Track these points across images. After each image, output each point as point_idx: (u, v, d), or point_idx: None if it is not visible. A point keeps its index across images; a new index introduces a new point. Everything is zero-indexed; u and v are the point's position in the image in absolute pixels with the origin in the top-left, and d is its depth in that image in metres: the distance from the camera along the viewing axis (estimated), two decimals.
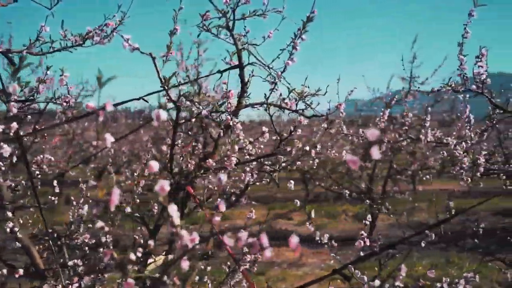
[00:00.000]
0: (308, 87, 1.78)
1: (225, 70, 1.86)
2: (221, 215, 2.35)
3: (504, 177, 2.20)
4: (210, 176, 1.77)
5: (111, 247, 1.74)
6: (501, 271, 2.21)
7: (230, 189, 2.20)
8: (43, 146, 8.04)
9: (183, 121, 1.64)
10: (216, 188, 2.20)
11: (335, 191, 5.97)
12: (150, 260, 1.66)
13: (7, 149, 0.95)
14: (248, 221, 2.16)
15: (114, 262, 0.75)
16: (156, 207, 1.65)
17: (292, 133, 1.52)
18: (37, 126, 1.95)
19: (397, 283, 1.03)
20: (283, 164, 1.61)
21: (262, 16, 1.78)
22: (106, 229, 0.73)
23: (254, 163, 1.82)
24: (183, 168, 1.87)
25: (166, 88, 1.47)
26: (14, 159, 1.86)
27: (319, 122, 7.46)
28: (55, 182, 1.73)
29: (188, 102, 1.52)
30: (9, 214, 1.55)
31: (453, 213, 1.99)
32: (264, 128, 1.42)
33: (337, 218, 6.83)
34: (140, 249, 1.02)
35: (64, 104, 1.63)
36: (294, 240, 0.67)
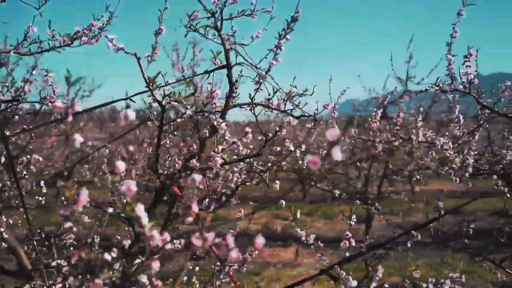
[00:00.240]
0: (296, 87, 1.77)
1: (212, 70, 1.85)
2: (212, 215, 2.33)
3: (496, 177, 2.20)
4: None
5: (96, 247, 1.74)
6: (491, 271, 2.21)
7: (221, 190, 2.20)
8: (43, 146, 8.05)
9: (173, 121, 1.64)
10: (206, 189, 2.20)
11: (330, 192, 5.95)
12: (137, 261, 1.66)
13: None
14: (237, 221, 2.16)
15: (83, 263, 0.75)
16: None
17: (278, 133, 1.52)
18: (25, 126, 1.95)
19: (373, 284, 1.02)
20: (269, 164, 1.60)
21: (250, 16, 1.77)
22: (75, 229, 0.73)
23: (242, 163, 1.81)
24: (170, 168, 1.87)
25: (151, 88, 1.47)
26: (2, 159, 1.86)
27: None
28: (42, 182, 1.73)
29: (173, 102, 1.51)
30: None
31: (442, 213, 1.99)
32: (247, 129, 1.42)
33: (334, 219, 6.83)
34: (115, 250, 1.01)
35: (50, 104, 1.63)
36: (259, 240, 0.67)
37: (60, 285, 1.37)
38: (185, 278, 1.97)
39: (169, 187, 1.62)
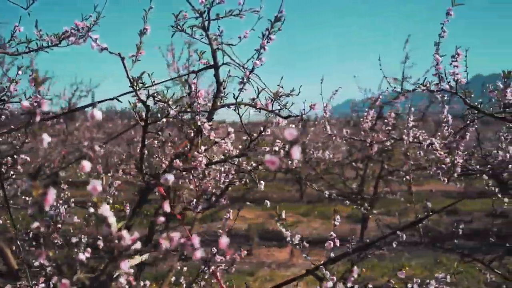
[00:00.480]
0: (283, 87, 1.77)
1: (199, 70, 1.85)
2: (200, 215, 2.31)
3: (486, 177, 2.19)
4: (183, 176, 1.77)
5: (83, 247, 1.73)
6: (480, 271, 2.21)
7: (212, 190, 2.20)
8: (39, 147, 8.03)
9: (158, 121, 1.63)
10: (196, 189, 2.19)
11: (321, 191, 5.95)
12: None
13: None
14: (225, 221, 2.15)
15: (50, 263, 0.75)
16: (128, 208, 1.65)
17: (262, 133, 1.52)
18: (12, 126, 1.95)
19: (349, 285, 1.02)
20: (254, 164, 1.60)
21: (238, 16, 1.77)
22: (42, 229, 0.72)
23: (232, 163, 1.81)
24: (157, 168, 1.87)
25: (135, 88, 1.46)
26: None
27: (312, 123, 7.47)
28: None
29: (159, 103, 1.51)
30: None
31: (430, 213, 1.99)
32: (230, 129, 1.42)
33: (331, 219, 6.80)
34: (89, 250, 1.01)
35: (35, 104, 1.62)
36: (223, 240, 0.67)
37: (43, 284, 1.37)
38: (173, 278, 1.96)
39: (154, 187, 1.61)
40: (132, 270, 1.18)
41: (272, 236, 5.87)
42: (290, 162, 1.98)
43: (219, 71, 1.79)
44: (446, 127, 2.03)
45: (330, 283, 1.14)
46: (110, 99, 1.83)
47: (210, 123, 1.59)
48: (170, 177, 0.90)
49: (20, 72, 1.68)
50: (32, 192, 0.71)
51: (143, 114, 1.55)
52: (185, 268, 1.89)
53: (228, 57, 1.76)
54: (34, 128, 0.75)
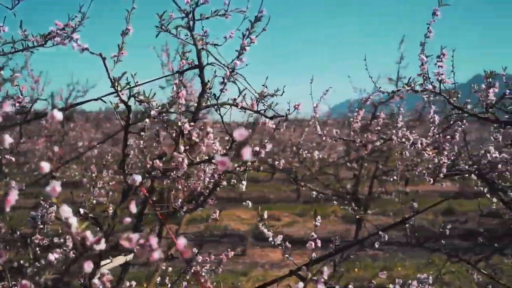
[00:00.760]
0: (267, 87, 1.77)
1: (184, 71, 1.85)
2: (188, 215, 2.32)
3: (475, 177, 2.19)
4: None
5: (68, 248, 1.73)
6: (468, 271, 2.21)
7: (201, 190, 2.19)
8: (36, 147, 8.04)
9: (140, 121, 1.63)
10: (183, 189, 2.19)
11: (319, 192, 5.97)
12: (105, 261, 1.65)
13: None
14: (212, 222, 2.15)
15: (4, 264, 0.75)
16: (111, 208, 1.64)
17: None
18: None
19: (319, 286, 1.02)
20: (236, 165, 1.59)
21: (224, 16, 1.77)
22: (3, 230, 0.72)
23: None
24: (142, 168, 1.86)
25: (116, 88, 1.46)
26: None
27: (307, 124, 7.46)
28: (13, 183, 1.72)
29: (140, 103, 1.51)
30: None
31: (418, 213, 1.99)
32: (209, 129, 1.41)
33: (327, 219, 6.83)
34: (58, 250, 1.01)
35: (17, 104, 1.62)
36: (181, 241, 0.67)
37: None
38: (159, 279, 1.96)
39: (137, 188, 1.61)
40: (107, 271, 1.18)
41: (267, 236, 5.86)
42: (277, 162, 1.97)
43: (203, 72, 1.79)
44: (433, 127, 2.03)
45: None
46: (94, 100, 1.83)
47: (192, 123, 1.59)
48: (138, 178, 0.90)
49: (2, 73, 1.67)
50: None
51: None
52: (170, 269, 1.89)
53: (212, 57, 1.76)
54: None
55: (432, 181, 1.92)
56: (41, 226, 1.59)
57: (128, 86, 1.55)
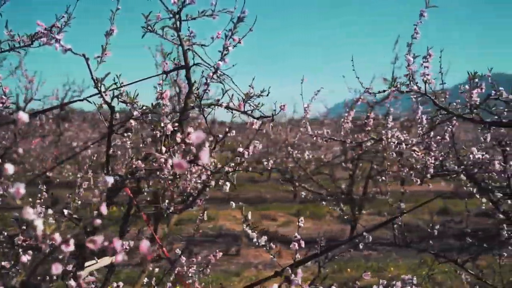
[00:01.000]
0: (253, 87, 1.77)
1: (170, 71, 1.85)
2: (177, 216, 2.31)
3: (465, 177, 2.19)
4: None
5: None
6: (456, 272, 2.21)
7: (191, 190, 2.19)
8: (31, 147, 8.02)
9: (123, 122, 1.62)
10: (170, 190, 2.19)
11: (314, 192, 5.97)
12: (89, 262, 1.65)
13: None
14: (200, 223, 2.15)
15: None
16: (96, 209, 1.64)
17: (227, 134, 1.52)
18: None
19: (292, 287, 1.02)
20: (221, 166, 1.60)
21: (211, 17, 1.77)
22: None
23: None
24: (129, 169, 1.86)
25: (99, 88, 1.46)
26: None
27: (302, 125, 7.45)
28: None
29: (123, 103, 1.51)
30: None
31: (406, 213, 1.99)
32: (190, 129, 1.41)
33: (322, 219, 6.83)
34: (30, 252, 1.00)
35: (1, 105, 1.62)
36: (144, 244, 0.66)
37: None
38: (146, 279, 1.96)
39: (121, 188, 1.61)
40: (83, 273, 1.17)
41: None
42: (266, 163, 1.97)
43: (190, 72, 1.79)
44: (420, 128, 2.03)
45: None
46: (80, 100, 1.83)
47: (176, 124, 1.59)
48: (109, 179, 0.90)
49: None
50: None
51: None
52: (156, 269, 1.89)
53: (199, 57, 1.76)
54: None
55: (419, 182, 1.91)
56: (24, 227, 1.58)
57: (114, 87, 1.55)
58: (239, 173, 1.73)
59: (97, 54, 1.52)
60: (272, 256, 1.64)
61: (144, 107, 1.49)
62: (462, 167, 1.97)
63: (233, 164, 1.76)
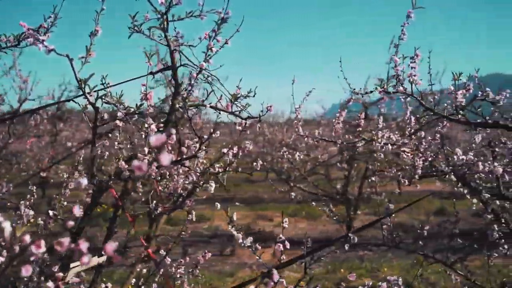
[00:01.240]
0: (240, 88, 1.77)
1: (157, 72, 1.84)
2: (165, 216, 2.29)
3: (455, 178, 2.19)
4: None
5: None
6: (446, 272, 2.21)
7: (181, 191, 2.19)
8: (27, 147, 8.01)
9: (107, 123, 1.62)
10: (157, 190, 2.18)
11: (311, 193, 5.97)
12: (75, 264, 1.64)
13: None
14: (189, 223, 2.15)
15: None
16: (81, 210, 1.64)
17: (212, 135, 1.51)
18: None
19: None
20: (207, 166, 1.59)
21: (199, 17, 1.76)
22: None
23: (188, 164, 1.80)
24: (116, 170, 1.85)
25: (83, 89, 1.46)
26: None
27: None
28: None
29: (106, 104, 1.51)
30: None
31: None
32: (172, 130, 1.41)
33: (318, 219, 6.83)
34: (4, 253, 1.00)
35: None
36: (109, 247, 0.66)
37: None
38: (133, 280, 1.96)
39: (106, 189, 1.61)
40: (61, 274, 1.17)
41: (257, 237, 5.86)
42: (255, 163, 1.96)
43: (177, 73, 1.78)
44: (409, 128, 2.03)
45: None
46: (67, 101, 1.82)
47: (161, 124, 1.58)
48: (83, 181, 0.90)
49: None
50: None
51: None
52: (144, 270, 1.88)
53: (186, 58, 1.76)
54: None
55: (407, 183, 1.91)
56: None
57: (101, 87, 1.55)
58: (238, 173, 1.74)
59: (81, 54, 1.52)
60: (257, 257, 1.64)
61: (128, 108, 1.49)
62: (450, 167, 1.97)
63: (222, 165, 1.76)
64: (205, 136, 1.56)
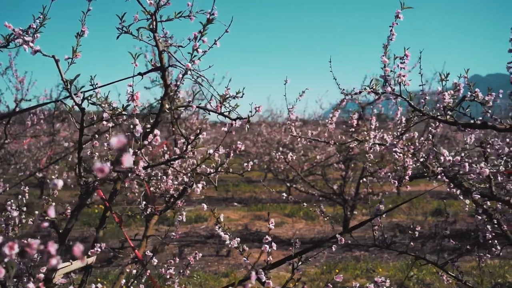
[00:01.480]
0: (229, 89, 1.77)
1: (146, 73, 1.84)
2: (157, 217, 2.29)
3: (447, 180, 2.19)
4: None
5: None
6: (437, 273, 2.20)
7: (173, 191, 2.19)
8: (24, 147, 8.00)
9: (93, 124, 1.61)
10: (148, 191, 2.18)
11: (308, 193, 5.97)
12: (63, 265, 1.64)
13: None
14: (178, 223, 2.14)
15: None
16: (69, 210, 1.63)
17: (199, 135, 1.51)
18: None
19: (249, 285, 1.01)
20: (194, 167, 1.59)
21: (188, 18, 1.76)
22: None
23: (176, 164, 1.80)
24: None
25: (69, 90, 1.45)
26: None
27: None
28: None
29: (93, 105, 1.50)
30: None
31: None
32: (156, 131, 1.40)
33: (315, 220, 6.82)
34: None
35: None
36: (77, 249, 0.66)
37: None
38: (124, 281, 1.95)
39: (94, 190, 1.60)
40: (42, 275, 1.16)
41: (254, 238, 5.87)
42: (245, 164, 1.95)
43: (166, 73, 1.78)
44: (400, 129, 2.03)
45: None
46: (54, 101, 1.82)
47: (148, 126, 1.58)
48: (59, 183, 0.89)
49: None
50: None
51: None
52: (134, 271, 1.88)
53: (174, 59, 1.76)
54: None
55: (397, 184, 1.91)
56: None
57: (90, 88, 1.55)
58: (231, 174, 1.73)
59: (67, 55, 1.52)
60: (244, 259, 1.63)
61: (115, 109, 1.49)
62: (440, 168, 1.97)
63: (214, 165, 1.76)
64: (192, 137, 1.56)
